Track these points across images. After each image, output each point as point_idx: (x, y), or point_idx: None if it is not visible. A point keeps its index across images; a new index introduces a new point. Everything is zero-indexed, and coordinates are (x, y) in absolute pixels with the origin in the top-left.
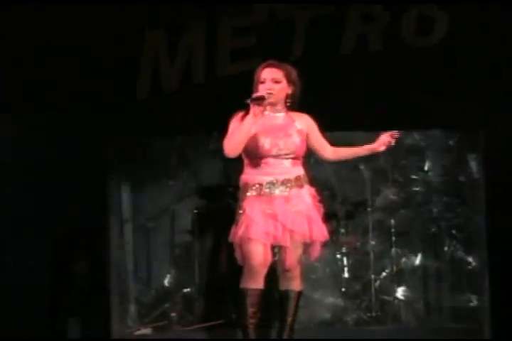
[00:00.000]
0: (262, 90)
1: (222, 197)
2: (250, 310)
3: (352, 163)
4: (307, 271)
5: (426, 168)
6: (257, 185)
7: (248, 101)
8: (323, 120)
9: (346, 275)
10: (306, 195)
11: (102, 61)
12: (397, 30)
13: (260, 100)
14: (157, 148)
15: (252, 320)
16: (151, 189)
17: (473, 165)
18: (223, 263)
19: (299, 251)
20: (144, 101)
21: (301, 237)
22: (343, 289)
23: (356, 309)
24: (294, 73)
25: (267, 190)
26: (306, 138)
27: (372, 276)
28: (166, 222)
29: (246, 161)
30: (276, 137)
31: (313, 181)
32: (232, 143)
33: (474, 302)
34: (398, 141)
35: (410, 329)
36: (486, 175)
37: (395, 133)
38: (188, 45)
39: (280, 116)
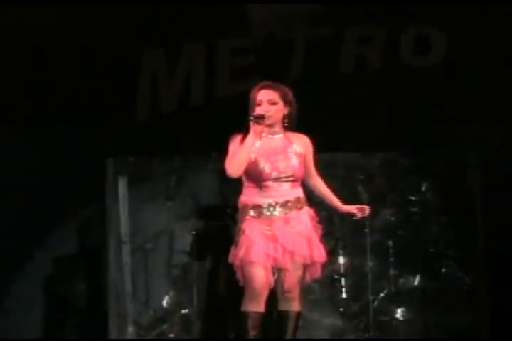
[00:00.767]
0: (259, 112)
1: (220, 218)
2: (252, 334)
3: (350, 184)
4: (305, 291)
5: (423, 189)
6: (257, 207)
7: (251, 118)
8: (321, 140)
9: (344, 296)
10: (305, 215)
11: (101, 82)
12: (396, 50)
13: (260, 119)
14: (156, 169)
15: None
16: (149, 210)
17: (471, 184)
18: (222, 285)
19: (299, 272)
20: (142, 122)
21: (301, 259)
22: (341, 310)
23: (354, 329)
24: (289, 93)
25: (267, 212)
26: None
27: (371, 297)
28: (164, 242)
29: (246, 184)
30: (275, 160)
31: (310, 202)
32: (235, 164)
33: (472, 323)
34: (396, 161)
35: None
36: (484, 196)
37: (367, 208)
38: (186, 66)
39: (278, 138)
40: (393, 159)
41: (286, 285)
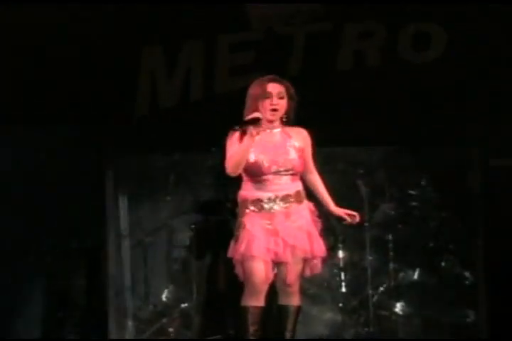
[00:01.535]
0: (268, 106)
1: (220, 213)
2: (252, 328)
3: (349, 179)
4: (305, 286)
5: (423, 183)
6: (257, 201)
7: (245, 121)
8: (321, 135)
9: (344, 290)
10: (305, 210)
11: (101, 78)
12: (395, 46)
13: (256, 122)
14: (155, 164)
15: (253, 338)
16: (149, 204)
17: (471, 180)
18: (221, 279)
19: (300, 266)
20: (142, 117)
21: (302, 253)
22: (341, 304)
23: (354, 324)
24: (292, 88)
25: (267, 206)
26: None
27: (370, 291)
28: (163, 237)
29: (245, 178)
30: (274, 154)
31: (310, 196)
32: (234, 164)
33: (472, 318)
34: (396, 155)
35: None
36: (484, 191)
37: (357, 216)
38: (186, 62)
39: (277, 132)
40: (393, 153)
41: (287, 280)
